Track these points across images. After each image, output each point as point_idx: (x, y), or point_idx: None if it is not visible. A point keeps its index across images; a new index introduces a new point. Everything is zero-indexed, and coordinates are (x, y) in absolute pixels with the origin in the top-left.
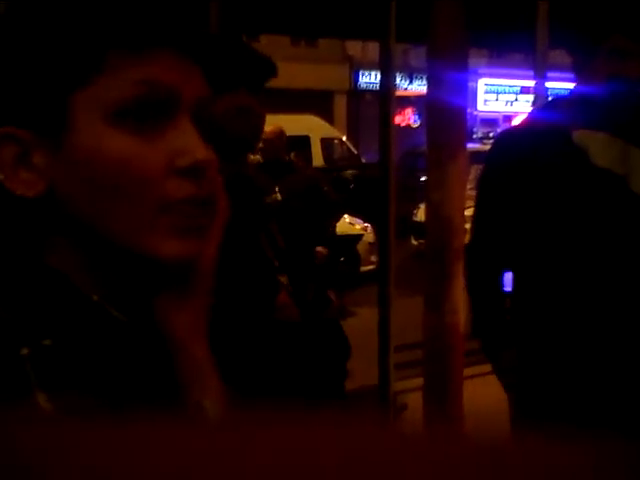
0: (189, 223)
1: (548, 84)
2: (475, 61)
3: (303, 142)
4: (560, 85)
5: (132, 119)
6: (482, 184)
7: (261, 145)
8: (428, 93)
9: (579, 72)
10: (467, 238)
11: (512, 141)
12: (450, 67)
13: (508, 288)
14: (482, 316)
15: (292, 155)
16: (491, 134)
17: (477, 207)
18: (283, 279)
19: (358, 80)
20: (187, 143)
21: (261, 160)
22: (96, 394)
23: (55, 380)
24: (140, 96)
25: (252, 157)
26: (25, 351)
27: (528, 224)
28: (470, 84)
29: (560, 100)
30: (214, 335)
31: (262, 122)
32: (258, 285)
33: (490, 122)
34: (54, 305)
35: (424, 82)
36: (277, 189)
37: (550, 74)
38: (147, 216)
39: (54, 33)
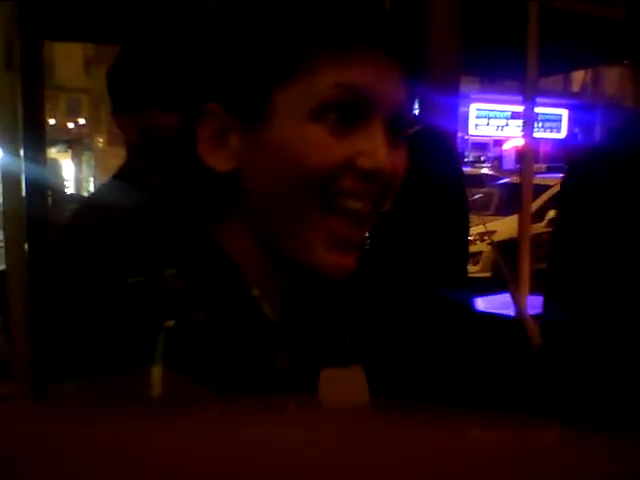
0: (350, 233)
1: (536, 109)
2: (467, 86)
3: None
4: (548, 110)
5: (329, 118)
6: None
7: None
8: (420, 117)
9: None
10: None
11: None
12: (442, 92)
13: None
14: None
15: None
16: (482, 158)
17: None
18: None
19: None
20: (372, 146)
21: None
22: (213, 382)
23: (181, 358)
24: (337, 99)
25: None
26: (170, 323)
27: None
28: (462, 109)
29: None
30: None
31: None
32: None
33: (481, 146)
34: (216, 288)
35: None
36: None
37: (539, 99)
38: (316, 214)
39: (262, 31)
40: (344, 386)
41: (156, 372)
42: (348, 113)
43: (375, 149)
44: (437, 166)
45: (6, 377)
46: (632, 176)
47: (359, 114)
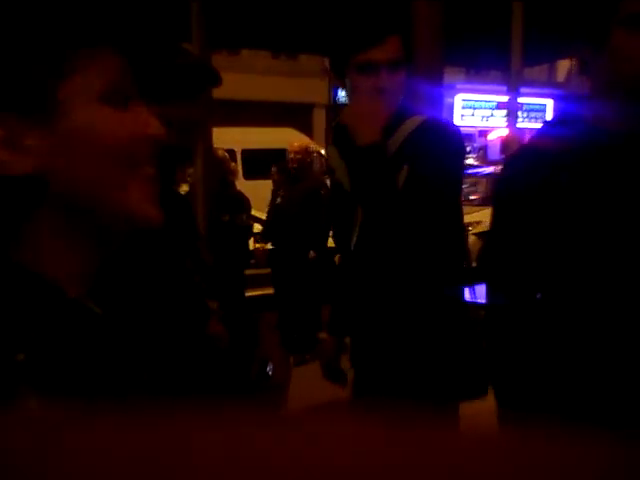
0: (154, 192)
1: (521, 99)
2: (452, 77)
3: (281, 155)
4: (533, 100)
5: (111, 101)
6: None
7: (292, 156)
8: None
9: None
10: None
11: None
12: (427, 83)
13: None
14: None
15: (272, 169)
16: (467, 148)
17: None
18: (213, 305)
19: (337, 94)
20: (148, 117)
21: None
22: (82, 392)
23: (46, 384)
24: (114, 82)
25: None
26: (21, 357)
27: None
28: (447, 99)
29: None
30: (149, 359)
31: (198, 134)
32: (187, 311)
33: (466, 137)
34: (30, 308)
35: None
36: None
37: (523, 89)
38: (128, 180)
39: (27, 37)
40: None
41: (31, 403)
42: (123, 94)
43: (151, 118)
44: (442, 157)
45: None
46: (559, 168)
47: (129, 96)
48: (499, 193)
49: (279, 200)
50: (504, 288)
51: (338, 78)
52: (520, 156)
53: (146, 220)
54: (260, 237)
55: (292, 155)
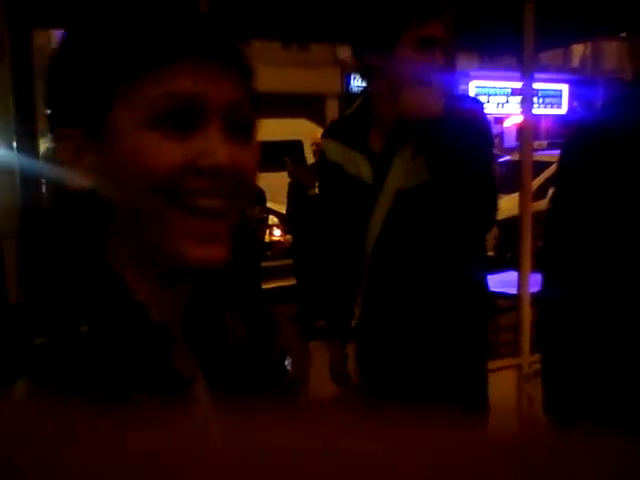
0: (210, 229)
1: (536, 85)
2: (466, 64)
3: (295, 146)
4: (548, 86)
5: (164, 124)
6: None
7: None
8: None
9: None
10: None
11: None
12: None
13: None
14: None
15: (287, 160)
16: None
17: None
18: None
19: (350, 84)
20: (209, 147)
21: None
22: (95, 391)
23: (53, 373)
24: (168, 107)
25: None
26: (40, 340)
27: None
28: (461, 87)
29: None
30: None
31: None
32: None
33: None
34: (94, 296)
35: None
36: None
37: (538, 75)
38: (173, 215)
39: (91, 53)
40: None
41: (20, 388)
42: (182, 118)
43: (212, 149)
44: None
45: None
46: (627, 150)
47: (194, 118)
48: (563, 180)
49: (311, 192)
50: (565, 281)
51: (360, 64)
52: (580, 140)
53: (192, 262)
54: (283, 229)
55: (315, 147)
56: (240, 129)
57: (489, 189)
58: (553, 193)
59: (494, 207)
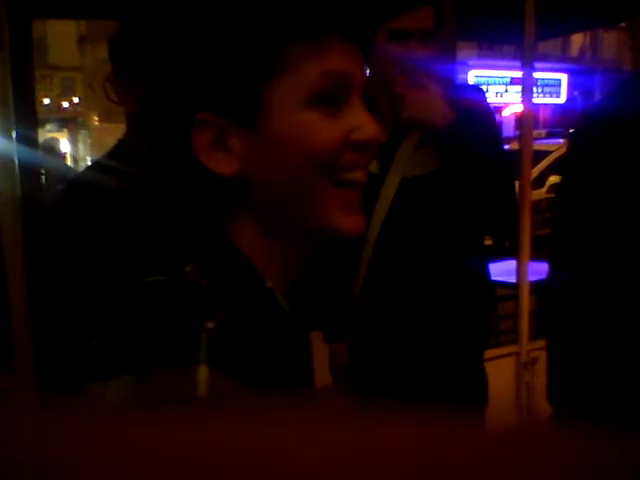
0: (356, 200)
1: (535, 74)
2: (465, 53)
3: None
4: (547, 75)
5: (320, 103)
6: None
7: None
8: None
9: None
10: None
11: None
12: (440, 59)
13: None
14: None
15: None
16: None
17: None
18: None
19: None
20: (361, 121)
21: None
22: (244, 377)
23: (220, 358)
24: (325, 86)
25: None
26: (211, 325)
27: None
28: (460, 76)
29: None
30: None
31: None
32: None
33: None
34: (235, 283)
35: None
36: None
37: (537, 64)
38: (326, 189)
39: (241, 34)
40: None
41: (202, 373)
42: (335, 96)
43: (364, 123)
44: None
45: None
46: (633, 139)
47: (343, 95)
48: (571, 168)
49: None
50: (572, 268)
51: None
52: (588, 128)
53: (344, 232)
54: None
55: None
56: (366, 103)
57: (505, 174)
58: (560, 181)
59: (512, 193)
